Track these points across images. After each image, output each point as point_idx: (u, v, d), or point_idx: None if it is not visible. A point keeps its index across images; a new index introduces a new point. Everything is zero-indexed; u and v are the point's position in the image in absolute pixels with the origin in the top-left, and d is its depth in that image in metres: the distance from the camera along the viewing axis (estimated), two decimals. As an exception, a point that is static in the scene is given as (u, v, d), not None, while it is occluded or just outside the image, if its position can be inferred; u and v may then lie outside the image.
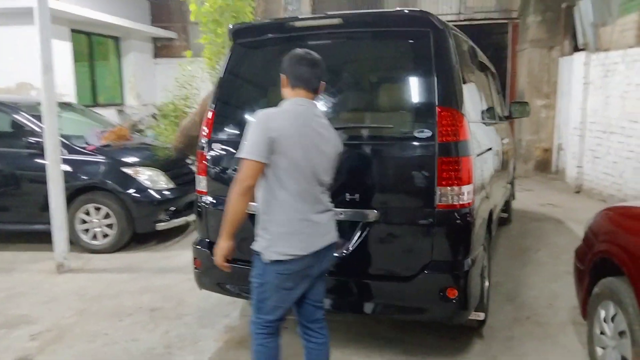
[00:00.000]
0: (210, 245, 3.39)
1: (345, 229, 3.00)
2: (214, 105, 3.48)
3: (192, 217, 6.05)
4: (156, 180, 5.86)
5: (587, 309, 3.11)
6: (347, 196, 3.05)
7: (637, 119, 6.94)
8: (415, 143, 2.96)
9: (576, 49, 9.07)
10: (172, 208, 5.91)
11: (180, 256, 5.50)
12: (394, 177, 3.09)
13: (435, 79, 2.95)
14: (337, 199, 2.86)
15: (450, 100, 2.95)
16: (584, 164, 8.49)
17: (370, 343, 3.48)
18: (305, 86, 2.45)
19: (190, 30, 12.78)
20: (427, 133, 2.92)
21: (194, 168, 6.70)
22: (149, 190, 5.76)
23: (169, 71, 9.66)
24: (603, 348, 2.87)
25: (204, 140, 3.48)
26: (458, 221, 2.93)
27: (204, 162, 3.48)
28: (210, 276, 3.49)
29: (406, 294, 3.02)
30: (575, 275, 3.36)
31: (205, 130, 3.48)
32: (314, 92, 2.48)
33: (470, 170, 2.95)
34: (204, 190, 3.48)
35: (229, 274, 2.68)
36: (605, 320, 2.83)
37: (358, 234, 3.07)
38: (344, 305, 3.20)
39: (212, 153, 3.43)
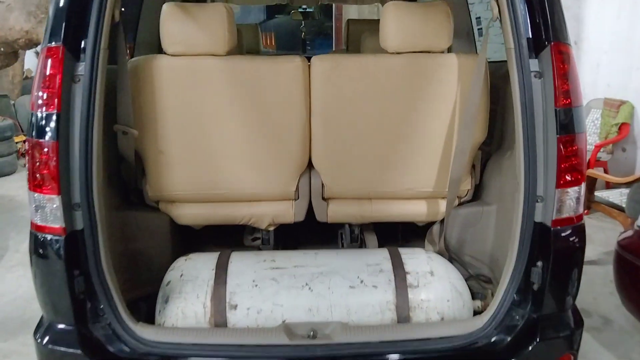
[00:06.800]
0: (83, 338, 1.62)
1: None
2: (60, 40, 1.58)
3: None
4: None
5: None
6: None
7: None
8: None
9: None
10: None
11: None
12: None
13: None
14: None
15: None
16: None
17: None
18: None
19: None
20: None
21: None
22: None
23: None
24: None
25: (42, 115, 1.57)
26: (577, 244, 1.73)
27: (50, 162, 1.58)
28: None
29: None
30: (633, 275, 2.50)
31: (43, 93, 1.57)
32: None
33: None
34: (58, 226, 1.60)
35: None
36: None
37: None
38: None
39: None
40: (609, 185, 4.41)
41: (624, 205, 3.54)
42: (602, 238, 4.00)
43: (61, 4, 1.59)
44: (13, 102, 7.17)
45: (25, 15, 3.86)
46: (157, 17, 1.98)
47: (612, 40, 5.15)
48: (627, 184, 3.67)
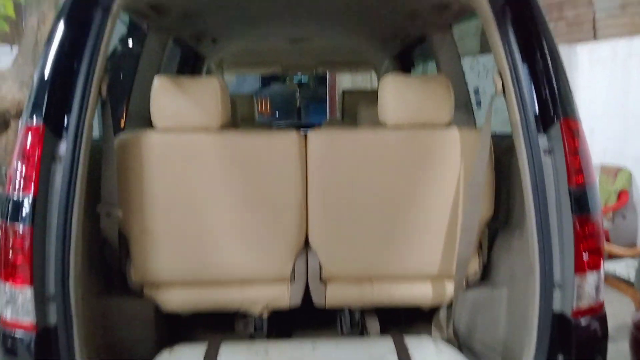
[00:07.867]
0: None
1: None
2: (41, 117, 1.49)
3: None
4: None
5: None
6: None
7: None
8: None
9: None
10: None
11: None
12: None
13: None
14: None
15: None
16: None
17: None
18: None
19: None
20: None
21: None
22: None
23: None
24: None
25: (18, 198, 1.46)
26: (600, 335, 1.59)
27: (23, 249, 1.45)
28: None
29: None
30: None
31: (20, 174, 1.46)
32: None
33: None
34: (29, 322, 1.44)
35: None
36: None
37: None
38: None
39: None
40: (612, 254, 4.27)
41: (631, 279, 3.39)
42: (610, 312, 3.80)
43: (45, 77, 1.51)
44: (5, 170, 7.06)
45: (18, 85, 3.83)
46: (149, 89, 1.90)
47: (605, 106, 5.17)
48: (634, 256, 3.53)
